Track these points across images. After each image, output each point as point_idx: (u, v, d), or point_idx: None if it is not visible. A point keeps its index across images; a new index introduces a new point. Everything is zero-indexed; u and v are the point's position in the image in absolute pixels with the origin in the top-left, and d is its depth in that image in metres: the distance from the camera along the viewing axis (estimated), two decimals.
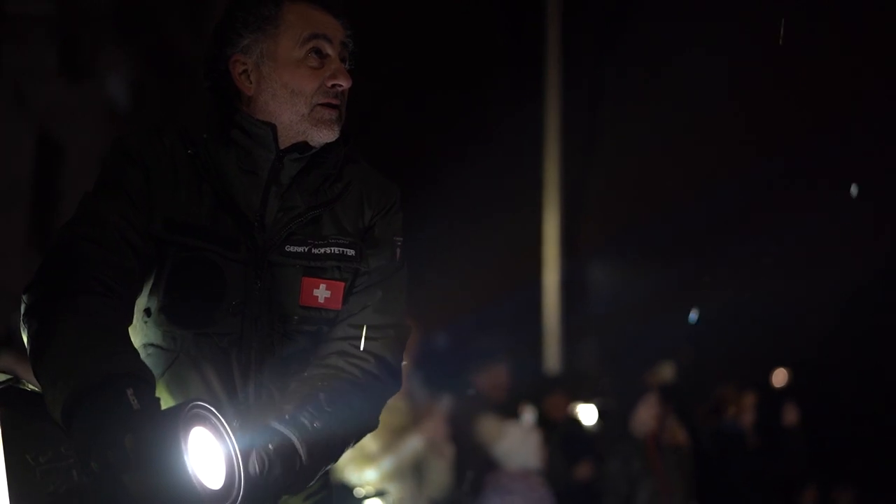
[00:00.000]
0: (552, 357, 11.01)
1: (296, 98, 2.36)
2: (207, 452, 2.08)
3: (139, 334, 2.37)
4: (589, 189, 14.82)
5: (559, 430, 6.84)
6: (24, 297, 2.19)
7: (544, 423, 6.62)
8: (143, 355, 2.31)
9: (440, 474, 5.77)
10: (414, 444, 5.59)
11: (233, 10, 2.40)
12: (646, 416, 6.76)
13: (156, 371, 2.31)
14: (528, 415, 6.98)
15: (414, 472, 5.66)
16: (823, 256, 13.13)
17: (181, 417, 2.02)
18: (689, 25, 14.08)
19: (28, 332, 2.17)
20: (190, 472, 1.99)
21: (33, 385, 2.13)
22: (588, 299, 14.56)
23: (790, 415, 8.27)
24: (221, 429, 2.12)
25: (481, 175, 13.47)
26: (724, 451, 7.51)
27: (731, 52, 14.26)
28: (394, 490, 5.40)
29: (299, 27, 2.36)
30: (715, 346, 11.60)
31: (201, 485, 2.01)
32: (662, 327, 11.73)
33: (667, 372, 8.35)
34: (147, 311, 2.35)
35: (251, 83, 2.38)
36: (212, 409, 2.11)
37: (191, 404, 2.07)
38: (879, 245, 13.33)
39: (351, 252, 2.42)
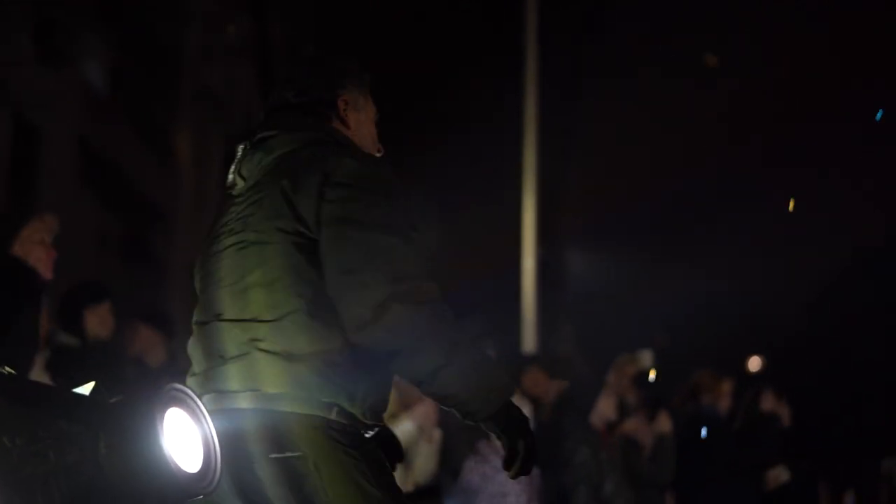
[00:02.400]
0: (529, 341, 11.03)
1: (373, 147, 2.99)
2: (185, 436, 2.11)
3: None
4: (567, 176, 14.82)
5: (546, 409, 6.78)
6: None
7: (527, 399, 6.55)
8: None
9: (427, 459, 5.73)
10: (405, 429, 5.53)
11: (343, 63, 3.02)
12: (604, 408, 6.78)
13: None
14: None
15: None
16: (797, 245, 13.20)
17: (157, 399, 2.05)
18: (668, 17, 14.10)
19: None
20: (166, 453, 2.02)
21: (9, 368, 2.15)
22: (565, 285, 14.58)
23: (768, 401, 8.28)
24: (198, 411, 2.14)
25: (461, 163, 13.48)
26: (703, 437, 7.50)
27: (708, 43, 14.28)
28: None
29: (373, 103, 3.04)
30: (690, 333, 11.65)
31: (177, 467, 2.04)
32: (638, 314, 11.78)
33: (645, 359, 8.34)
34: None
35: (350, 121, 2.95)
36: (188, 391, 2.14)
37: (167, 387, 2.09)
38: (855, 235, 13.41)
39: None
